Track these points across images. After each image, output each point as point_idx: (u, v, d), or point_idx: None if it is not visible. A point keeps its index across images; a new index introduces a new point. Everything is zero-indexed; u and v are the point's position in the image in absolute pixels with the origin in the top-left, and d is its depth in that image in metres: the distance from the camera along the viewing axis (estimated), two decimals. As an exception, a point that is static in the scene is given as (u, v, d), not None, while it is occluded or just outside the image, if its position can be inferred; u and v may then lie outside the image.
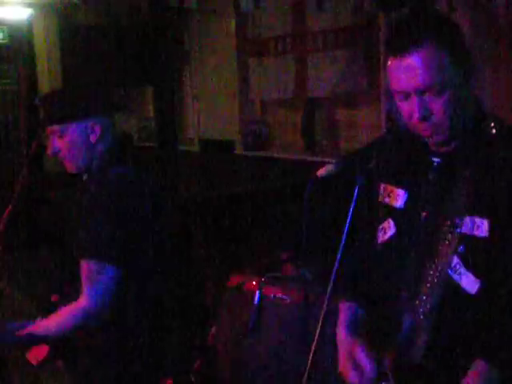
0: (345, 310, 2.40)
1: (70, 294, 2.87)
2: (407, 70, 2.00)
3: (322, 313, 1.98)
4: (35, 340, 2.78)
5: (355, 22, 6.32)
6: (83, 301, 2.70)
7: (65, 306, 2.79)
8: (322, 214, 5.07)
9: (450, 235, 2.02)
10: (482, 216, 1.99)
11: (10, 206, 3.17)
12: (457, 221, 2.01)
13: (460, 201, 2.01)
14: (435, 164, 2.12)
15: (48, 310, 2.87)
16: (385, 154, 2.26)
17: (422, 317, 2.08)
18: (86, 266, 2.69)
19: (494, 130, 2.06)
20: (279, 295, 3.88)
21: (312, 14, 6.60)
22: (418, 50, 1.97)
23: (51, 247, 6.28)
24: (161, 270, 2.89)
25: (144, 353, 2.85)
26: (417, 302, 2.08)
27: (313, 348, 1.97)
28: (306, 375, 2.00)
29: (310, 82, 6.96)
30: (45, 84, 8.25)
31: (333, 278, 1.99)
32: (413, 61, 1.98)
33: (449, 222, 2.02)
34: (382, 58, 6.02)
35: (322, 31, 6.73)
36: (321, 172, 1.98)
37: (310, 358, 1.97)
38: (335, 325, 2.38)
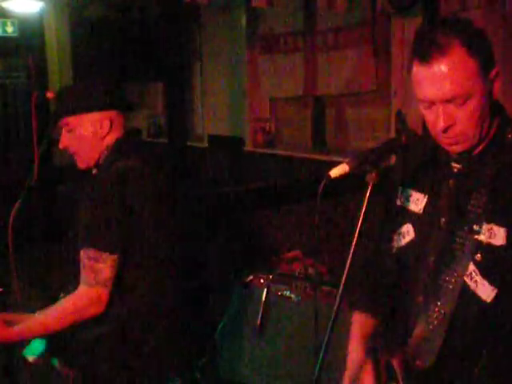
0: (357, 321, 2.39)
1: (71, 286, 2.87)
2: (433, 79, 1.95)
3: (333, 313, 1.97)
4: (33, 334, 2.78)
5: (366, 21, 6.31)
6: (82, 290, 2.70)
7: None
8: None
9: (467, 242, 2.01)
10: (499, 224, 1.97)
11: (18, 201, 3.16)
12: (474, 228, 2.00)
13: (478, 208, 2.00)
14: (456, 170, 2.10)
15: (51, 304, 2.87)
16: (404, 157, 2.24)
17: (436, 322, 2.07)
18: (84, 255, 2.68)
19: None
20: (286, 293, 3.88)
21: (323, 12, 6.58)
22: (445, 57, 1.92)
23: (61, 242, 6.28)
24: (167, 263, 2.88)
25: (147, 349, 2.84)
26: (432, 307, 2.08)
27: (323, 347, 1.96)
28: (316, 374, 1.99)
29: (319, 80, 6.95)
30: (55, 77, 8.25)
31: (344, 277, 1.97)
32: (439, 69, 1.93)
33: (466, 229, 2.01)
34: (392, 56, 6.01)
35: (332, 29, 6.73)
36: (333, 172, 1.97)
37: (321, 357, 1.96)
38: (345, 324, 2.37)
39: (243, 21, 7.75)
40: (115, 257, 2.68)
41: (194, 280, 3.12)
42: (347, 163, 1.97)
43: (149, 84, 9.44)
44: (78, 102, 2.82)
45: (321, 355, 1.98)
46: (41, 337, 2.84)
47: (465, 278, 2.01)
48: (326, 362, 2.01)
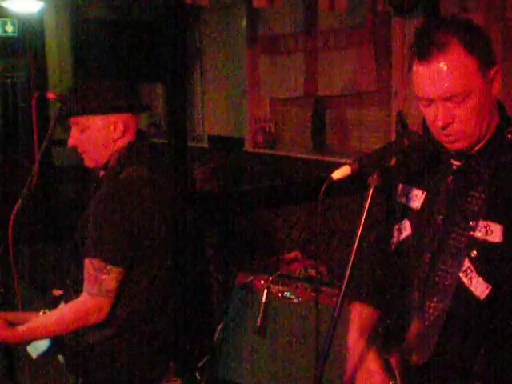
0: (357, 312, 2.40)
1: (73, 288, 2.87)
2: (432, 76, 1.97)
3: (335, 313, 1.97)
4: (34, 337, 2.78)
5: (366, 22, 6.31)
6: (84, 299, 2.70)
7: (66, 302, 2.80)
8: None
9: (463, 239, 2.01)
10: (496, 221, 1.98)
11: (19, 201, 3.16)
12: (471, 224, 2.00)
13: (475, 205, 2.00)
14: (455, 167, 2.11)
15: (52, 304, 2.87)
16: (404, 156, 2.24)
17: (431, 318, 2.07)
18: (89, 265, 2.68)
19: None
20: (287, 294, 3.89)
21: (324, 13, 6.58)
22: (444, 55, 1.94)
23: (60, 242, 6.28)
24: (170, 270, 2.88)
25: (148, 351, 2.84)
26: (427, 303, 2.08)
27: (325, 348, 1.96)
28: (317, 374, 1.99)
29: (320, 81, 6.95)
30: (55, 77, 8.26)
31: (346, 278, 1.97)
32: (438, 66, 1.95)
33: (462, 226, 2.02)
34: (393, 57, 6.01)
35: (333, 30, 6.72)
36: (335, 174, 1.97)
37: (322, 359, 1.96)
38: (346, 325, 2.38)
39: (244, 21, 7.74)
40: (120, 269, 2.68)
41: (193, 281, 3.12)
42: (349, 166, 1.98)
43: (149, 84, 9.43)
44: (92, 101, 2.78)
45: (322, 357, 1.98)
46: (42, 339, 2.83)
47: (460, 275, 2.02)
48: (328, 363, 2.01)
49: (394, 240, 2.25)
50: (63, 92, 3.20)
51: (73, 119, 2.82)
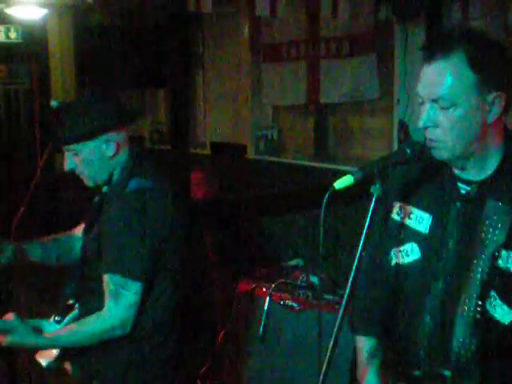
0: (363, 345, 2.41)
1: (85, 297, 2.87)
2: (428, 76, 2.00)
3: (337, 324, 1.97)
4: (58, 345, 2.78)
5: (369, 29, 6.32)
6: (106, 315, 2.70)
7: (85, 314, 2.79)
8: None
9: (486, 268, 2.00)
10: None
11: (22, 207, 3.17)
12: (494, 254, 1.99)
13: (495, 234, 1.99)
14: (463, 192, 2.10)
15: (63, 311, 2.87)
16: (404, 171, 2.24)
17: (469, 355, 2.05)
18: (110, 281, 2.68)
19: None
20: (289, 302, 3.89)
21: (326, 20, 6.59)
22: (446, 60, 1.96)
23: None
24: (183, 279, 2.90)
25: (156, 360, 2.84)
26: (446, 330, 2.07)
27: (327, 358, 1.96)
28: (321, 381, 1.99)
29: (322, 88, 6.95)
30: (58, 84, 8.26)
31: (348, 288, 1.98)
32: (436, 68, 1.97)
33: (484, 256, 2.00)
34: (395, 65, 6.02)
35: (335, 37, 6.73)
36: (338, 183, 1.97)
37: (324, 367, 1.96)
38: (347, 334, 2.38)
39: (246, 29, 7.76)
40: (140, 284, 2.68)
41: (196, 287, 3.12)
42: (352, 175, 1.98)
43: (152, 91, 9.44)
44: (80, 129, 2.74)
45: (324, 366, 1.98)
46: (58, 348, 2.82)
47: (483, 302, 2.00)
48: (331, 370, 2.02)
49: (396, 260, 2.24)
50: (66, 99, 3.21)
51: (64, 147, 2.80)
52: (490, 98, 1.97)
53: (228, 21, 8.07)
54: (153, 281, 2.74)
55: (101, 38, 7.96)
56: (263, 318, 3.83)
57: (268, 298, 3.88)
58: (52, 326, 2.82)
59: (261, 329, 3.82)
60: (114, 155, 2.80)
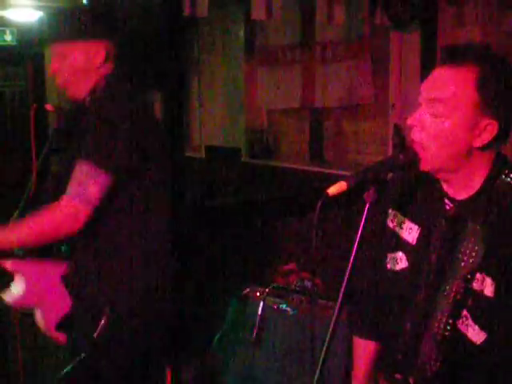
0: (360, 347, 2.43)
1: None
2: (435, 76, 1.99)
3: (331, 327, 1.97)
4: (12, 244, 2.70)
5: (364, 34, 6.33)
6: (62, 202, 2.58)
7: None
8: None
9: (460, 289, 2.01)
10: (488, 275, 1.97)
11: (17, 211, 3.16)
12: (467, 276, 1.99)
13: (470, 257, 1.99)
14: (448, 208, 2.09)
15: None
16: (399, 179, 2.24)
17: (434, 369, 2.07)
18: (78, 169, 2.56)
19: (510, 184, 2.01)
20: (283, 306, 3.89)
21: (321, 25, 6.61)
22: (453, 70, 1.95)
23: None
24: (161, 214, 2.83)
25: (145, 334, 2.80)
26: (423, 344, 2.09)
27: (320, 363, 1.96)
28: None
29: (317, 93, 6.96)
30: (53, 86, 8.25)
31: (342, 292, 1.98)
32: (447, 72, 1.96)
33: (458, 276, 2.01)
34: (390, 70, 6.03)
35: (330, 42, 6.75)
36: (331, 190, 1.97)
37: (318, 372, 1.96)
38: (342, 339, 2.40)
39: (242, 32, 7.77)
40: (110, 177, 2.58)
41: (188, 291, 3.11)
42: (345, 181, 1.98)
43: (146, 94, 9.43)
44: (71, 27, 2.72)
45: (318, 369, 1.98)
46: (17, 247, 2.74)
47: (457, 322, 2.02)
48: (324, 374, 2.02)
49: (389, 266, 2.25)
50: (61, 103, 3.20)
51: (54, 47, 2.78)
52: (483, 123, 1.95)
53: (224, 25, 8.08)
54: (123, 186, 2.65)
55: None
56: (257, 322, 3.83)
57: (262, 303, 3.88)
58: None
59: (254, 333, 3.82)
60: (101, 66, 2.77)
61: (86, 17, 2.74)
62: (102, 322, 2.68)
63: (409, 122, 2.02)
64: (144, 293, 2.76)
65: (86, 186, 2.54)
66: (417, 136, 2.02)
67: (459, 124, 1.95)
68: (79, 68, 2.75)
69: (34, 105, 3.10)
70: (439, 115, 1.96)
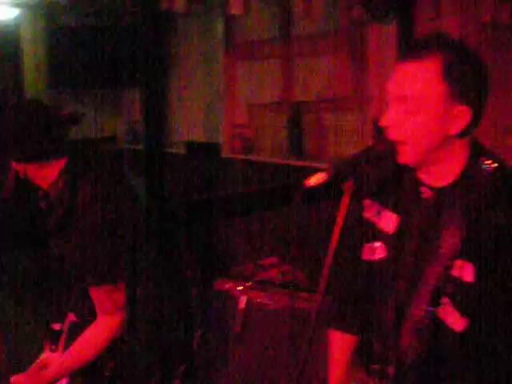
0: (335, 340, 2.43)
1: (74, 320, 2.90)
2: (399, 74, 1.99)
3: (312, 321, 1.98)
4: (68, 371, 2.83)
5: (342, 28, 6.33)
6: (105, 321, 2.75)
7: (81, 331, 2.82)
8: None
9: (440, 276, 2.01)
10: (468, 261, 1.99)
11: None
12: (446, 263, 2.00)
13: (450, 244, 2.00)
14: (425, 196, 2.10)
15: (53, 339, 2.89)
16: (377, 168, 2.25)
17: (413, 356, 2.08)
18: (98, 292, 2.72)
19: (488, 171, 2.02)
20: (264, 300, 3.89)
21: (299, 19, 6.60)
22: (418, 63, 1.95)
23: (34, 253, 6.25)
24: (153, 274, 2.93)
25: (128, 359, 2.86)
26: (403, 333, 2.10)
27: (303, 356, 1.97)
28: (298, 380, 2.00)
29: (296, 87, 6.97)
30: (31, 84, 8.21)
31: (322, 286, 1.99)
32: (407, 68, 1.97)
33: (437, 264, 2.02)
34: (368, 63, 6.04)
35: (308, 36, 6.74)
36: (309, 181, 1.97)
37: (300, 366, 1.97)
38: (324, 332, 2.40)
39: (220, 28, 7.75)
40: (124, 281, 2.75)
41: (171, 287, 3.11)
42: (324, 172, 1.98)
43: (126, 90, 9.39)
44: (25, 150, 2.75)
45: (301, 364, 1.99)
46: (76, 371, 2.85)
47: (437, 309, 2.02)
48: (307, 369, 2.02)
49: (366, 257, 2.26)
50: (39, 99, 3.18)
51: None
52: (455, 111, 1.96)
53: (202, 20, 8.05)
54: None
55: (74, 38, 7.92)
56: (239, 317, 3.83)
57: (243, 297, 3.88)
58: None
59: (236, 328, 3.82)
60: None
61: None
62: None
63: (382, 123, 2.02)
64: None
65: (116, 301, 2.73)
66: (393, 135, 2.02)
67: (432, 116, 1.96)
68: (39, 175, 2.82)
69: (11, 102, 3.08)
70: (411, 111, 1.96)
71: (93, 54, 7.84)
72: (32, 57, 8.34)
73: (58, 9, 8.07)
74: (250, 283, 3.97)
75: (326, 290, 2.01)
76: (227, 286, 4.03)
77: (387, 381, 2.14)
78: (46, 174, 2.79)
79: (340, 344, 2.41)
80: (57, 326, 2.92)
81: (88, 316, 2.79)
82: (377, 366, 2.20)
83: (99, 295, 2.72)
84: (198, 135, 8.44)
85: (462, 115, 1.97)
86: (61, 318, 2.94)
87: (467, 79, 1.95)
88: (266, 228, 5.70)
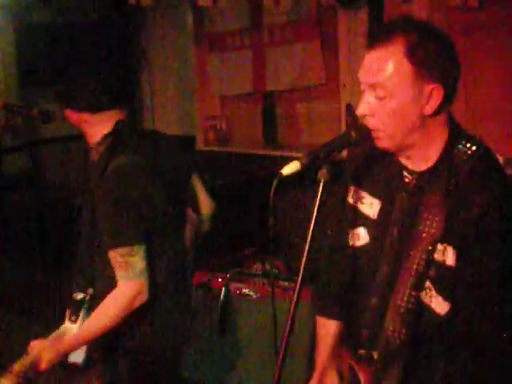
0: (323, 325, 2.44)
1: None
2: (368, 62, 2.01)
3: (291, 310, 1.98)
4: (87, 339, 2.83)
5: (312, 15, 6.33)
6: (123, 287, 2.76)
7: (98, 300, 2.84)
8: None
9: (422, 261, 2.02)
10: (450, 244, 2.00)
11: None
12: (429, 248, 2.02)
13: (431, 228, 2.01)
14: (407, 180, 2.12)
15: (75, 308, 2.89)
16: (354, 153, 2.26)
17: (398, 342, 2.09)
18: (115, 255, 2.74)
19: (467, 154, 2.03)
20: (245, 291, 3.89)
21: (269, 8, 6.59)
22: (384, 48, 1.96)
23: (17, 252, 6.22)
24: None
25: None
26: (387, 323, 2.10)
27: (283, 346, 1.97)
28: (277, 371, 2.00)
29: (268, 76, 6.95)
30: (0, 84, 8.15)
31: (300, 273, 1.99)
32: (375, 55, 1.98)
33: (420, 248, 2.03)
34: (340, 50, 6.05)
35: (278, 25, 6.74)
36: (285, 170, 1.98)
37: (281, 355, 1.97)
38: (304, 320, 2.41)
39: (189, 19, 7.72)
40: (144, 246, 2.76)
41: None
42: (298, 161, 1.99)
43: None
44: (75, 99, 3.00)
45: (281, 351, 1.99)
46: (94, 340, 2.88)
47: (420, 293, 2.03)
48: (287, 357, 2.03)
49: (350, 243, 2.27)
50: (8, 100, 3.19)
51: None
52: (427, 90, 1.97)
53: (171, 13, 8.02)
54: (151, 245, 2.83)
55: (42, 36, 7.87)
56: (220, 308, 3.83)
57: (224, 289, 3.89)
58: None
59: (218, 319, 3.82)
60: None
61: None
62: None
63: (358, 112, 2.03)
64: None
65: (133, 265, 2.73)
66: (371, 123, 2.03)
67: (405, 99, 1.97)
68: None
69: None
70: (383, 97, 1.98)
71: (62, 51, 7.78)
72: (0, 55, 8.28)
73: (26, 7, 8.01)
74: (230, 274, 3.97)
75: (304, 279, 2.01)
76: (207, 277, 4.03)
77: (374, 365, 2.15)
78: (95, 132, 2.93)
79: (324, 330, 2.42)
80: (79, 296, 2.92)
81: (108, 290, 2.80)
82: (363, 351, 2.21)
83: (116, 260, 2.73)
84: (172, 128, 8.41)
85: (434, 93, 1.97)
86: (83, 289, 2.93)
87: (433, 57, 1.96)
88: (245, 218, 5.69)
